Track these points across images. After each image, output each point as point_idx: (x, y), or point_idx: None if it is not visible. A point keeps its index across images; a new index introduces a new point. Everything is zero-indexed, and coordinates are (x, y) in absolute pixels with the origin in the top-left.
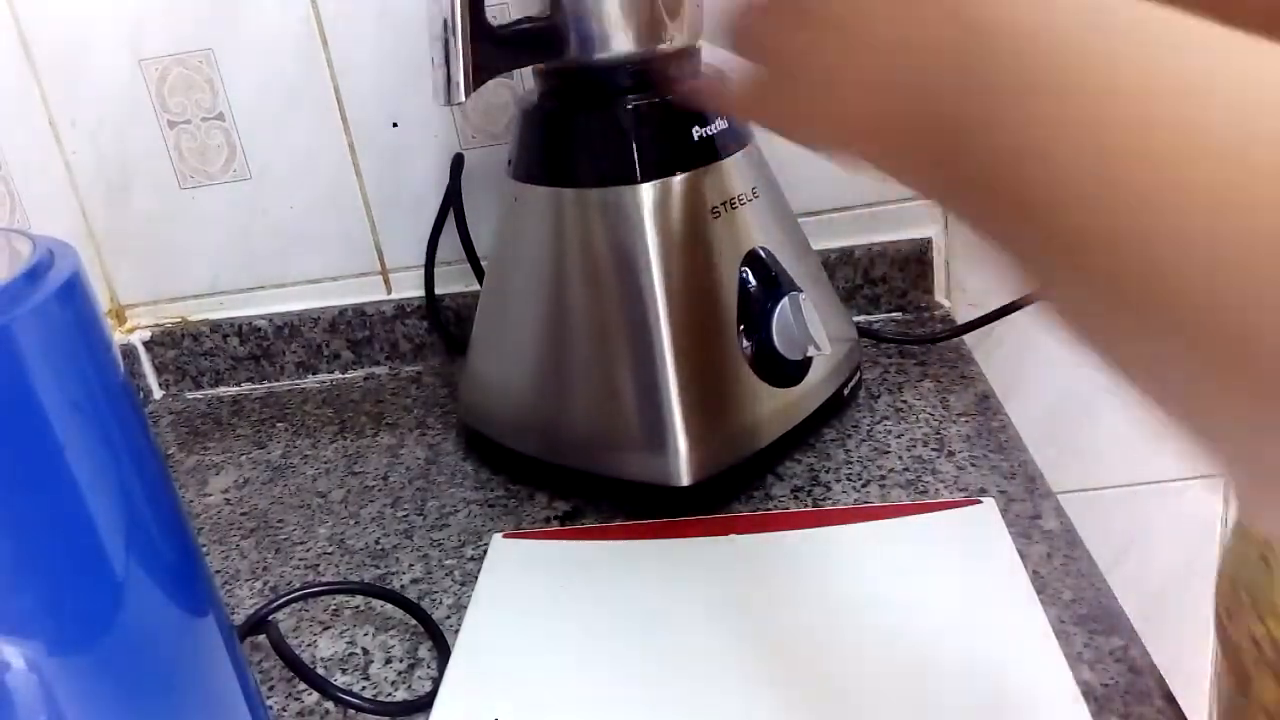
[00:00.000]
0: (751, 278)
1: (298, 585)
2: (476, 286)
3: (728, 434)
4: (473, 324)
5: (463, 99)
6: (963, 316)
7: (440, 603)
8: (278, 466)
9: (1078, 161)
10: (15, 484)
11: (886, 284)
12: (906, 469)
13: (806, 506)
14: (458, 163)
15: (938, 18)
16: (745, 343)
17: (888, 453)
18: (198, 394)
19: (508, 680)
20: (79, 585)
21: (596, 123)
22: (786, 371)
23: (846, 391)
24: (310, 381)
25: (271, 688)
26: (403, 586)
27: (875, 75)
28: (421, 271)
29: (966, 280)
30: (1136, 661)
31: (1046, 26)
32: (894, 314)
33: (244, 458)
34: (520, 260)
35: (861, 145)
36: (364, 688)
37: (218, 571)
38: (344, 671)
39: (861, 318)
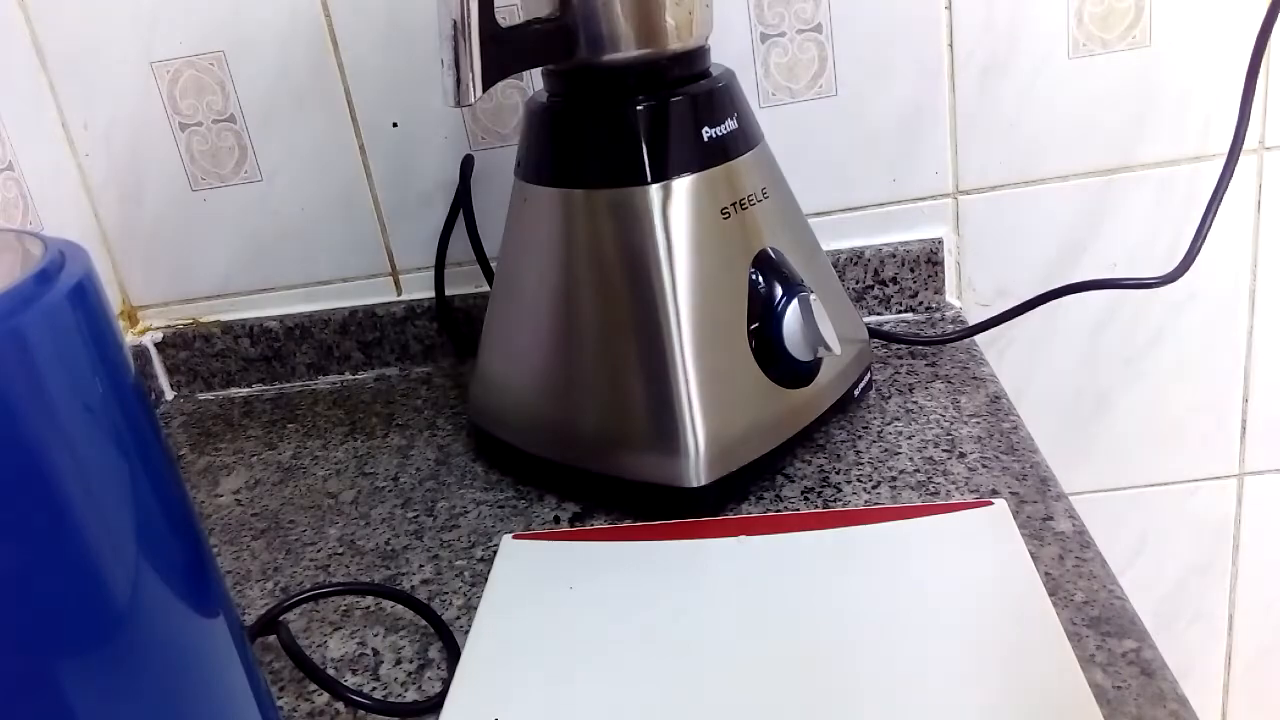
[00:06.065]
0: (761, 278)
1: (308, 586)
2: (486, 288)
3: (738, 435)
4: (483, 325)
5: (472, 100)
6: (974, 317)
7: (450, 604)
8: (288, 467)
9: None
10: (26, 485)
11: (897, 284)
12: (917, 470)
13: (817, 508)
14: (467, 164)
15: None
16: (755, 344)
17: (898, 454)
18: (209, 395)
19: (518, 681)
20: (90, 586)
21: (606, 124)
22: (797, 372)
23: (857, 392)
24: (321, 383)
25: (282, 688)
26: (413, 587)
27: None
28: (432, 273)
29: (977, 281)
30: (1149, 664)
31: None
32: (905, 315)
33: (255, 459)
34: (530, 261)
35: None
36: (374, 688)
37: (228, 572)
38: (354, 672)
39: (872, 318)
